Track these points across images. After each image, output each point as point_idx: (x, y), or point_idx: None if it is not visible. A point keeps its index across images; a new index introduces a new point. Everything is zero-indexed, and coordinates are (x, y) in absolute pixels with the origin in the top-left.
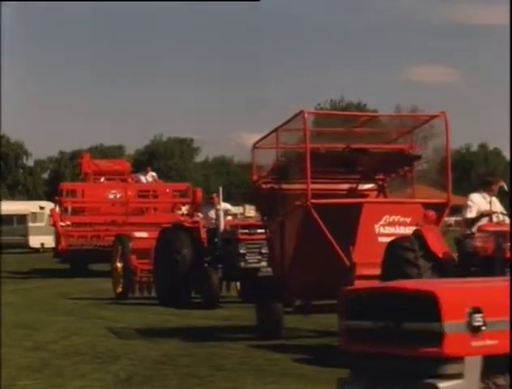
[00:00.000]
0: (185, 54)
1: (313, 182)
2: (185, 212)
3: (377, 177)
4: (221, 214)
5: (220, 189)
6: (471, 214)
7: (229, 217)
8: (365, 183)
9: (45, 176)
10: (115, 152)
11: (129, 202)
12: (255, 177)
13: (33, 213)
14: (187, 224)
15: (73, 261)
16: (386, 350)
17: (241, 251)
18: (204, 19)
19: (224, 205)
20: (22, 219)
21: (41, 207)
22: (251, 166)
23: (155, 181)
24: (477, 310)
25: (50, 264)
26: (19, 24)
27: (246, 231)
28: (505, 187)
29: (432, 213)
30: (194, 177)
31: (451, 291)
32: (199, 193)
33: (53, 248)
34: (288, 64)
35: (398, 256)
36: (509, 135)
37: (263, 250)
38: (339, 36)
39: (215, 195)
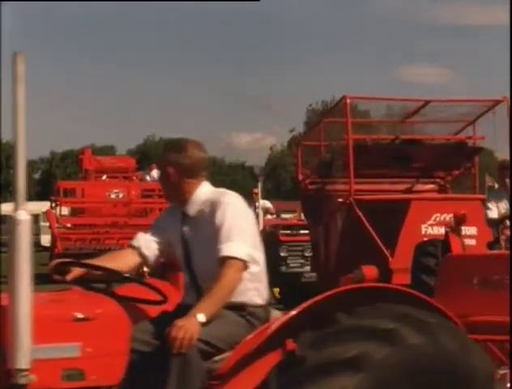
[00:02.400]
0: (175, 54)
1: (359, 181)
2: None
3: (436, 174)
4: (260, 212)
5: (259, 184)
6: (492, 214)
7: (269, 216)
8: (424, 182)
9: (37, 176)
10: (107, 153)
11: (132, 202)
12: (300, 177)
13: (44, 213)
14: None
15: None
16: None
17: (282, 254)
18: (196, 19)
19: (264, 202)
20: (34, 218)
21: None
22: (296, 164)
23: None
24: None
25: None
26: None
27: (288, 232)
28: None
29: (463, 213)
30: None
31: None
32: None
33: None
34: (278, 64)
35: (419, 262)
36: (508, 135)
37: (307, 253)
38: (330, 35)
39: (254, 191)
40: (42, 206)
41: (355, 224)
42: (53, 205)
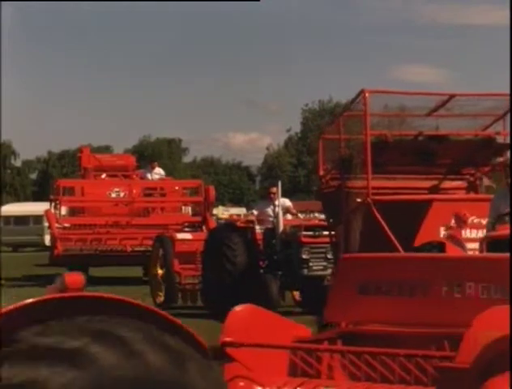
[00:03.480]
0: (172, 54)
1: (379, 177)
2: (192, 212)
3: (465, 171)
4: (280, 212)
5: (279, 182)
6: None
7: (289, 216)
8: (451, 179)
9: (33, 176)
10: (104, 152)
11: (135, 201)
12: (321, 172)
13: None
14: (240, 224)
15: (70, 267)
16: None
17: (304, 256)
18: (194, 19)
19: (283, 201)
20: (38, 219)
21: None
22: (318, 160)
23: (162, 179)
24: None
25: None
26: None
27: (310, 233)
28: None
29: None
30: (183, 178)
31: None
32: (212, 191)
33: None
34: (275, 64)
35: None
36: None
37: (329, 256)
38: (327, 35)
39: (273, 189)
40: (46, 206)
41: (372, 225)
42: (54, 204)
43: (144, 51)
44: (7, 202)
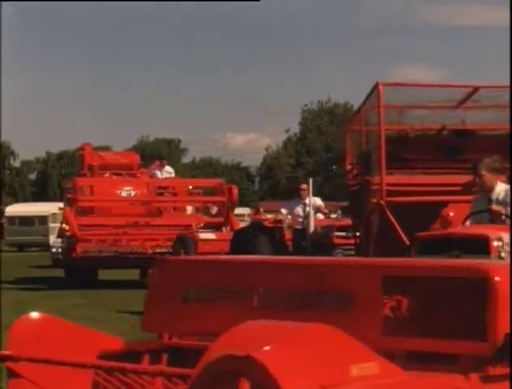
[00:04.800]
0: (171, 54)
1: (398, 173)
2: (214, 213)
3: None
4: (311, 211)
5: (310, 180)
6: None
7: (320, 216)
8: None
9: (32, 177)
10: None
11: (154, 200)
12: (349, 167)
13: (53, 214)
14: (268, 224)
15: (84, 270)
16: None
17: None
18: (193, 19)
19: (314, 200)
20: (43, 220)
21: (60, 208)
22: (344, 154)
23: (173, 177)
24: None
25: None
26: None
27: (343, 234)
28: None
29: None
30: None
31: None
32: (235, 190)
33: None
34: (274, 64)
35: None
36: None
37: None
38: (325, 36)
39: (302, 187)
40: (51, 207)
41: (387, 226)
42: (71, 204)
43: (144, 51)
44: (6, 202)
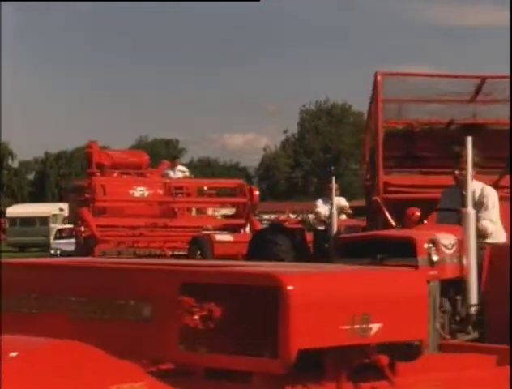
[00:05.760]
0: (169, 55)
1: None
2: (230, 213)
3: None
4: (335, 211)
5: (333, 178)
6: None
7: (344, 216)
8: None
9: (30, 177)
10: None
11: (174, 201)
12: (364, 165)
13: (54, 215)
14: (288, 225)
15: None
16: None
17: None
18: (191, 19)
19: (338, 200)
20: (44, 220)
21: (61, 209)
22: (364, 151)
23: (186, 177)
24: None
25: None
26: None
27: None
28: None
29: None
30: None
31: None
32: (256, 191)
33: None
34: (273, 64)
35: None
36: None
37: None
38: (325, 36)
39: (330, 186)
40: (51, 208)
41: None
42: (84, 204)
43: (143, 51)
44: (4, 203)
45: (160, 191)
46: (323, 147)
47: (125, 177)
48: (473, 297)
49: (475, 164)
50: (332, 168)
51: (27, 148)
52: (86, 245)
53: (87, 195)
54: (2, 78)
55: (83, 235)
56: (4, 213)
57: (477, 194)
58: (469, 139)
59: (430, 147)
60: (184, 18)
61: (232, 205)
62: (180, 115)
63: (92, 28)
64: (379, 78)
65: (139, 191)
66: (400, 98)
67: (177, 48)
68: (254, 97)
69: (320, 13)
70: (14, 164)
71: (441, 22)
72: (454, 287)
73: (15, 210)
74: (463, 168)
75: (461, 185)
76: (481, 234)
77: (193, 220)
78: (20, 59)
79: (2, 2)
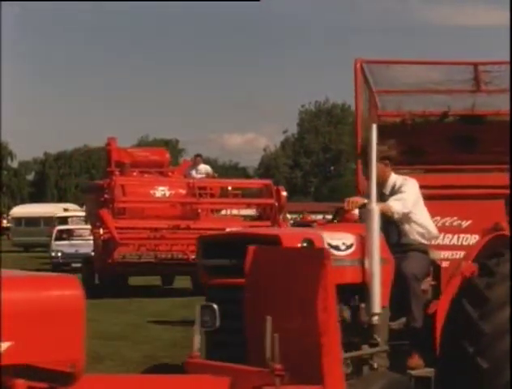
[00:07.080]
0: (169, 56)
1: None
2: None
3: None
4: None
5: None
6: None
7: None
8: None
9: (30, 177)
10: (101, 153)
11: (199, 202)
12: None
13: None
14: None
15: (117, 277)
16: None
17: None
18: (191, 19)
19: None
20: (48, 220)
21: (65, 209)
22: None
23: (209, 176)
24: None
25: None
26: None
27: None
28: None
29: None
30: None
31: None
32: (283, 192)
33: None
34: (272, 64)
35: None
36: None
37: None
38: (324, 36)
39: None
40: (56, 208)
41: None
42: (109, 205)
43: (142, 51)
44: (4, 203)
45: (183, 191)
46: (323, 147)
47: (145, 176)
48: (376, 305)
49: (389, 158)
50: (332, 168)
51: (26, 149)
52: (104, 248)
53: (106, 196)
54: (2, 78)
55: (102, 237)
56: (4, 213)
57: (396, 187)
58: (374, 127)
59: (424, 141)
60: (184, 18)
61: (258, 206)
62: (180, 115)
63: (92, 28)
64: (358, 65)
65: (161, 191)
66: (392, 89)
67: (177, 48)
68: (254, 97)
69: (320, 13)
70: (14, 165)
71: (441, 22)
72: (358, 293)
73: (20, 210)
74: (381, 162)
75: (378, 179)
76: (385, 213)
77: (217, 221)
78: (20, 59)
79: (2, 2)
